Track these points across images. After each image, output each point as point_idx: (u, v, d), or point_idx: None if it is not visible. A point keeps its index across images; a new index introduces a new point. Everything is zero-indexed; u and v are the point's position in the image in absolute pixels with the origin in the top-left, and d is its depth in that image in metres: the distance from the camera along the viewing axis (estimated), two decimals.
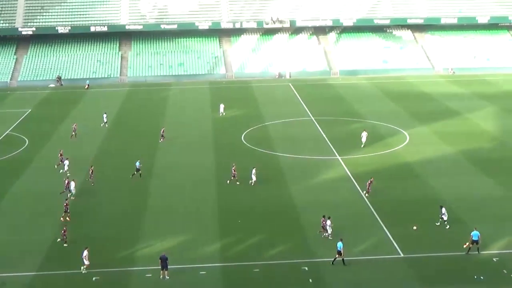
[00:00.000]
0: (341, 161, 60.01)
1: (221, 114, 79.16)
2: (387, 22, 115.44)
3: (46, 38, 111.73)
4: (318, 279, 38.07)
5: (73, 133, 69.44)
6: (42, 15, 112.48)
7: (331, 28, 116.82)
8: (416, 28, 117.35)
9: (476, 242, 40.48)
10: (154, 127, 72.45)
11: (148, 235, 44.14)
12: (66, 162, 57.17)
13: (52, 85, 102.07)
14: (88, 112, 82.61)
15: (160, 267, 38.22)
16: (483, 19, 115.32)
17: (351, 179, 54.96)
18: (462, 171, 56.90)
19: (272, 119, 76.38)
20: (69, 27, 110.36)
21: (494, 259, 40.14)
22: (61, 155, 59.29)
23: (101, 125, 74.30)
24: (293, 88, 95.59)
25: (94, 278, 38.20)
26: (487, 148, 63.75)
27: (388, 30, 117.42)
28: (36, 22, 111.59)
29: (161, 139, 67.13)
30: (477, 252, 40.61)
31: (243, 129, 71.65)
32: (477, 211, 47.16)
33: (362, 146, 63.80)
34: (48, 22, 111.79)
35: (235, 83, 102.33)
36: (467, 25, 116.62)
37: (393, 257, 40.76)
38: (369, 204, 48.91)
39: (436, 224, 44.78)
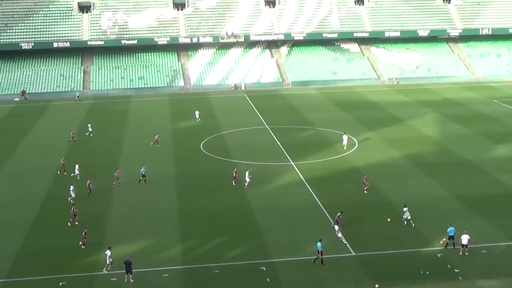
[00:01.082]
0: (294, 166, 60.24)
1: (197, 120, 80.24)
2: (335, 36, 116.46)
3: (11, 54, 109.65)
4: (275, 278, 38.18)
5: (72, 139, 70.45)
6: (6, 32, 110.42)
7: (283, 42, 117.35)
8: (362, 41, 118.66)
9: (452, 237, 41.22)
10: (118, 137, 72.34)
11: (112, 240, 43.51)
12: (77, 166, 57.84)
13: (17, 99, 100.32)
14: (59, 124, 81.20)
15: (124, 271, 37.85)
16: (423, 33, 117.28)
17: (304, 183, 55.21)
18: (407, 174, 57.62)
19: (229, 128, 76.33)
20: (33, 43, 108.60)
21: (438, 255, 40.80)
22: (63, 161, 59.56)
23: (86, 134, 73.92)
24: (248, 99, 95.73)
25: (60, 283, 37.65)
26: (429, 152, 64.67)
27: (336, 44, 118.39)
28: (0, 38, 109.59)
29: (157, 145, 68.04)
30: (453, 247, 41.26)
31: (202, 138, 71.38)
32: (422, 211, 47.72)
33: (344, 148, 65.10)
34: (12, 38, 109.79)
35: (193, 95, 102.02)
36: (409, 38, 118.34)
37: (345, 256, 41.13)
38: (322, 207, 49.21)
39: (402, 224, 45.37)
